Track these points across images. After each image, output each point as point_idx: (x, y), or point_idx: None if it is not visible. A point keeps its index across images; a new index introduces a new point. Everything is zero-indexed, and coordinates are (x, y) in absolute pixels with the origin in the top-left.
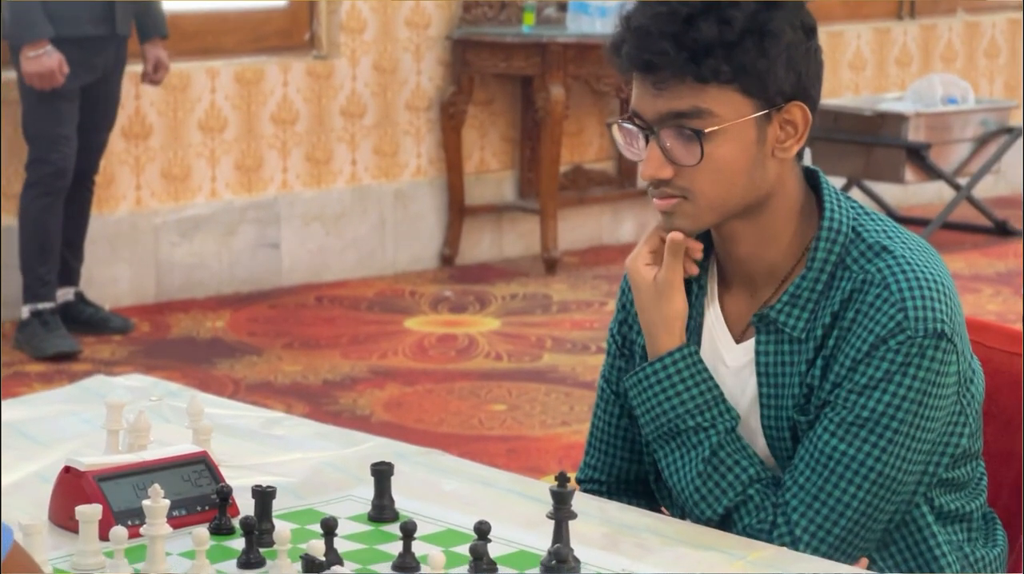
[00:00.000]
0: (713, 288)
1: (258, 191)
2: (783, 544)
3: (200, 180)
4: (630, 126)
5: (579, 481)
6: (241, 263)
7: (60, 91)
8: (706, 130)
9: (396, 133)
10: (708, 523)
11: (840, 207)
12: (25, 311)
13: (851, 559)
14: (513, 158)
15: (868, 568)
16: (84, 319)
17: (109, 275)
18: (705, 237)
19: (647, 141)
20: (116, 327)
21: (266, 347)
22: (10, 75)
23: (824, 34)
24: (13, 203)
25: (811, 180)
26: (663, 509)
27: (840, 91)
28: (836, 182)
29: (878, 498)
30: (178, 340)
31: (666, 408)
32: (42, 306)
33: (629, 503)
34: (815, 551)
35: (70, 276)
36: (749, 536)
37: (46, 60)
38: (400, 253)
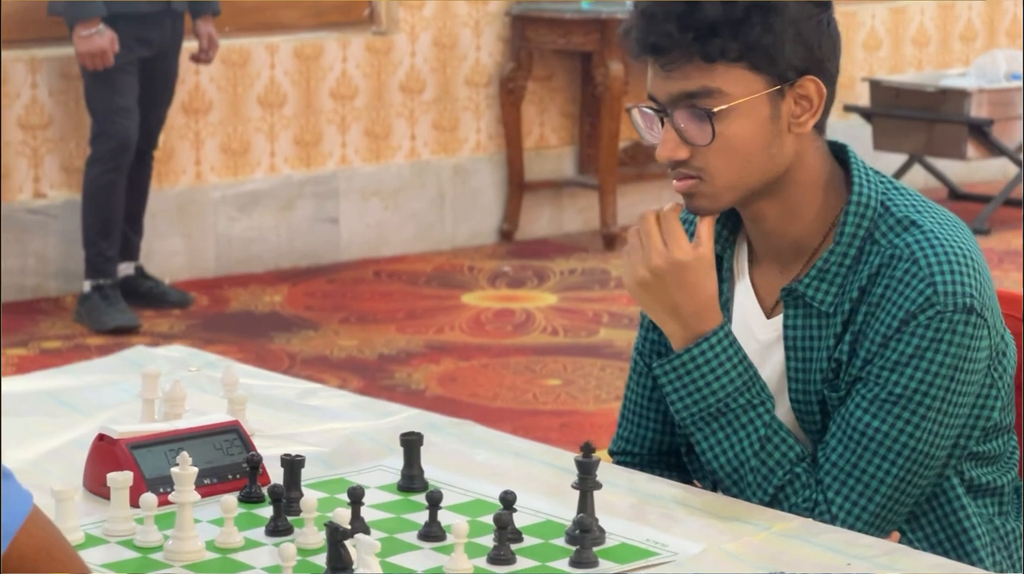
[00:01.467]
0: (743, 264)
1: (317, 166)
2: (823, 521)
3: (259, 155)
4: (647, 110)
5: (612, 453)
6: (299, 237)
7: (118, 65)
8: (716, 109)
9: (455, 108)
10: (759, 504)
11: (869, 181)
12: (86, 285)
13: (884, 533)
14: (572, 134)
15: (899, 541)
16: (143, 293)
17: (168, 249)
18: (735, 212)
19: (663, 123)
20: (175, 301)
21: (323, 322)
22: (71, 51)
23: (886, 10)
24: (75, 178)
25: (840, 154)
26: (695, 482)
27: (903, 67)
28: (897, 158)
29: (911, 473)
30: (236, 314)
31: (715, 388)
32: (103, 281)
33: (661, 475)
34: (851, 527)
35: (130, 250)
36: (795, 514)
37: (97, 40)
38: (459, 228)
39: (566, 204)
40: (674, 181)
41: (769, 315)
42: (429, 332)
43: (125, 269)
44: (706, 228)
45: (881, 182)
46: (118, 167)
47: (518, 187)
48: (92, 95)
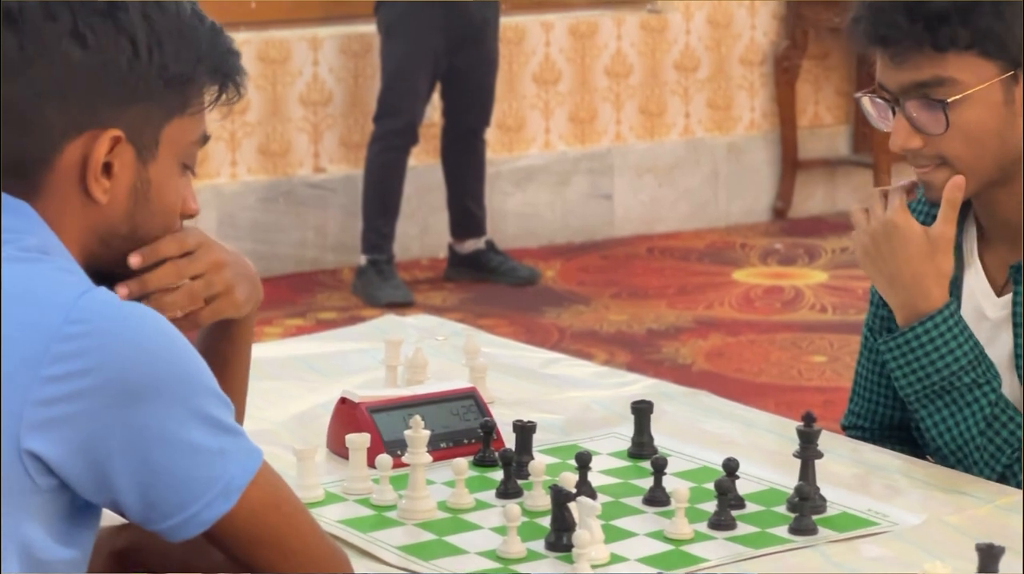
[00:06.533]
0: (972, 246)
1: (591, 142)
2: None
3: (534, 131)
4: (878, 99)
5: (844, 427)
6: (574, 213)
7: (416, 50)
8: (949, 99)
9: (730, 87)
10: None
11: None
12: (362, 259)
13: None
14: (847, 112)
15: None
16: (492, 268)
17: (443, 223)
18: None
19: (894, 112)
20: (524, 277)
21: (594, 296)
22: (352, 29)
23: None
24: (353, 153)
25: None
26: (928, 457)
27: None
28: None
29: None
30: (508, 288)
31: (939, 366)
32: (378, 256)
33: (892, 449)
34: None
35: (476, 227)
36: None
37: None
38: (732, 205)
39: (840, 183)
40: (915, 169)
41: (1000, 293)
42: (699, 308)
43: (474, 244)
44: (946, 211)
45: None
46: (398, 147)
47: (792, 165)
48: (387, 72)
